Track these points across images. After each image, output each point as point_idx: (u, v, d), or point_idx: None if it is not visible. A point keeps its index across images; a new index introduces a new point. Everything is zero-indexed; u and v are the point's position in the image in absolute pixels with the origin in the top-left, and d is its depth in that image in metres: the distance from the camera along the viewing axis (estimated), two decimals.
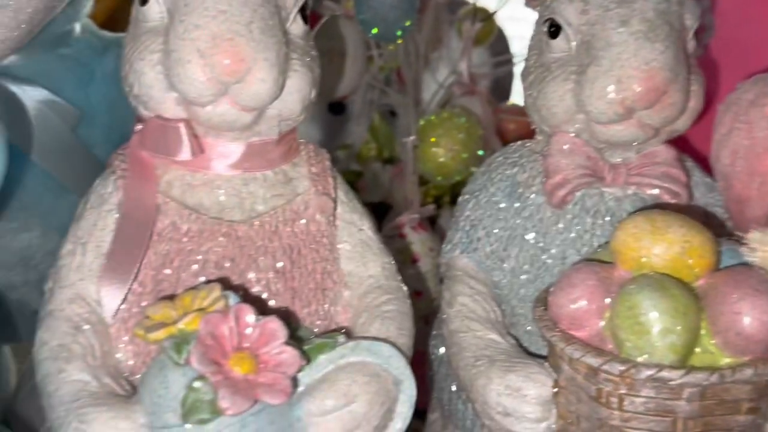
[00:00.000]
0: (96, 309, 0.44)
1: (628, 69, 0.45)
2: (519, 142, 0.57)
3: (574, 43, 0.48)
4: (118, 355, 0.44)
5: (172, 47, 0.41)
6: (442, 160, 0.77)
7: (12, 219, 0.65)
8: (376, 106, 1.03)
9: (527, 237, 0.52)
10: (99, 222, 0.46)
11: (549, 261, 0.51)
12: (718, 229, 0.48)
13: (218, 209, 0.46)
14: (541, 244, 0.51)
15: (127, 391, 0.41)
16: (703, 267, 0.39)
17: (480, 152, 0.82)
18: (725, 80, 0.71)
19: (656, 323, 0.36)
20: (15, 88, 0.65)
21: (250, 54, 0.40)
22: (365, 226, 0.50)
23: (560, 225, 0.51)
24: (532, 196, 0.52)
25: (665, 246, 0.39)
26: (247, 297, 0.44)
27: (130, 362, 0.44)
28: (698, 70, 0.50)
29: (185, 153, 0.44)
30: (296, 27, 0.45)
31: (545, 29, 0.50)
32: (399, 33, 0.82)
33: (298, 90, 0.45)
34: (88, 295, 0.44)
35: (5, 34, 0.58)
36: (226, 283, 0.42)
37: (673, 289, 0.37)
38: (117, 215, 0.45)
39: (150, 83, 0.43)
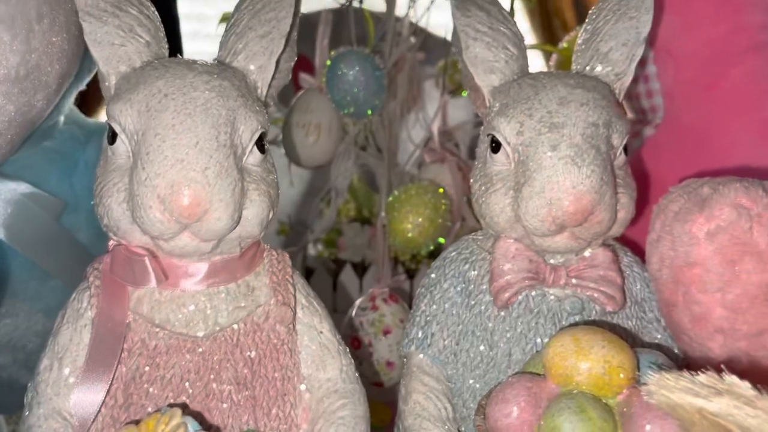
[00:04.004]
0: (72, 423, 0.47)
1: (558, 192, 0.49)
2: (471, 236, 0.60)
3: (512, 160, 0.52)
4: None
5: (136, 192, 0.45)
6: (410, 235, 0.81)
7: None
8: (355, 167, 1.07)
9: (477, 333, 0.55)
10: (74, 337, 0.49)
11: (498, 357, 0.54)
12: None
13: (184, 324, 0.49)
14: (489, 341, 0.55)
15: None
16: (622, 384, 0.43)
17: (448, 223, 0.86)
18: (674, 163, 0.75)
19: None
20: None
21: (206, 198, 0.44)
22: (324, 329, 0.54)
23: (506, 324, 0.54)
24: (481, 294, 0.56)
25: (589, 365, 0.43)
26: (211, 413, 0.48)
27: None
28: (629, 179, 0.54)
29: (151, 282, 0.48)
30: (253, 157, 0.49)
31: (488, 143, 0.54)
32: (369, 112, 0.87)
33: (256, 215, 0.48)
34: (65, 409, 0.48)
35: None
36: (189, 405, 0.46)
37: (591, 412, 0.41)
38: (91, 330, 0.49)
39: (118, 217, 0.47)
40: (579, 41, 0.58)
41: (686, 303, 0.49)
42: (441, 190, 0.85)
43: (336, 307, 1.08)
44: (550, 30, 1.59)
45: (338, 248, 1.10)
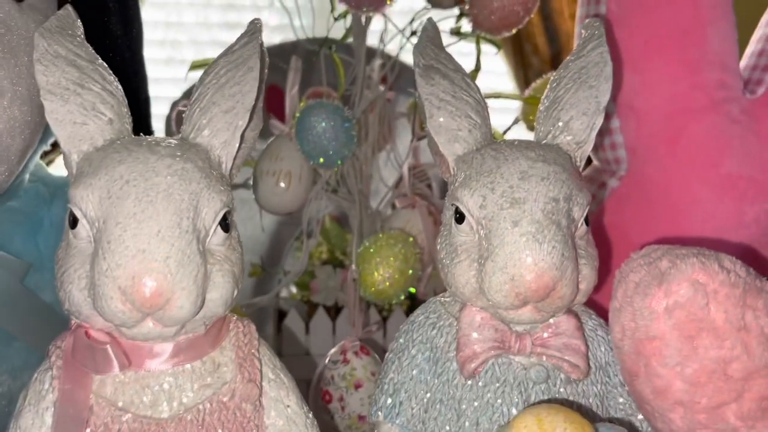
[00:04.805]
0: None
1: (520, 268, 0.49)
2: (439, 298, 0.61)
3: (476, 232, 0.53)
4: None
5: (97, 282, 0.44)
6: (380, 287, 0.81)
7: None
8: (328, 206, 1.06)
9: (445, 402, 0.55)
10: (36, 421, 0.49)
11: (466, 426, 0.54)
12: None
13: (148, 406, 0.49)
14: (457, 410, 0.55)
15: None
16: None
17: (419, 273, 0.87)
18: (638, 215, 0.76)
19: None
20: None
21: (168, 287, 0.44)
22: (292, 402, 0.54)
23: (473, 392, 0.55)
24: (448, 362, 0.56)
25: None
26: None
27: None
28: (591, 248, 0.54)
29: (114, 370, 0.48)
30: (217, 237, 0.49)
31: (452, 212, 0.55)
32: (339, 162, 0.87)
33: (219, 296, 0.48)
34: None
35: None
36: None
37: None
38: (53, 414, 0.48)
39: (79, 303, 0.47)
40: (541, 108, 0.59)
41: (647, 375, 0.50)
42: (411, 239, 0.86)
43: (309, 350, 1.07)
44: (521, 55, 1.61)
45: (311, 291, 1.10)
